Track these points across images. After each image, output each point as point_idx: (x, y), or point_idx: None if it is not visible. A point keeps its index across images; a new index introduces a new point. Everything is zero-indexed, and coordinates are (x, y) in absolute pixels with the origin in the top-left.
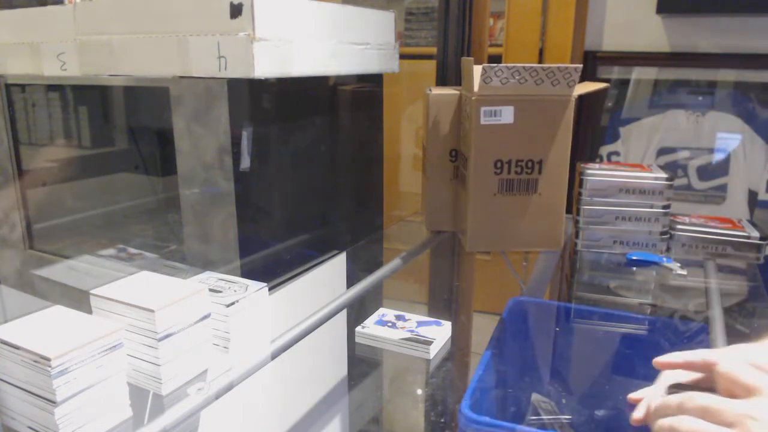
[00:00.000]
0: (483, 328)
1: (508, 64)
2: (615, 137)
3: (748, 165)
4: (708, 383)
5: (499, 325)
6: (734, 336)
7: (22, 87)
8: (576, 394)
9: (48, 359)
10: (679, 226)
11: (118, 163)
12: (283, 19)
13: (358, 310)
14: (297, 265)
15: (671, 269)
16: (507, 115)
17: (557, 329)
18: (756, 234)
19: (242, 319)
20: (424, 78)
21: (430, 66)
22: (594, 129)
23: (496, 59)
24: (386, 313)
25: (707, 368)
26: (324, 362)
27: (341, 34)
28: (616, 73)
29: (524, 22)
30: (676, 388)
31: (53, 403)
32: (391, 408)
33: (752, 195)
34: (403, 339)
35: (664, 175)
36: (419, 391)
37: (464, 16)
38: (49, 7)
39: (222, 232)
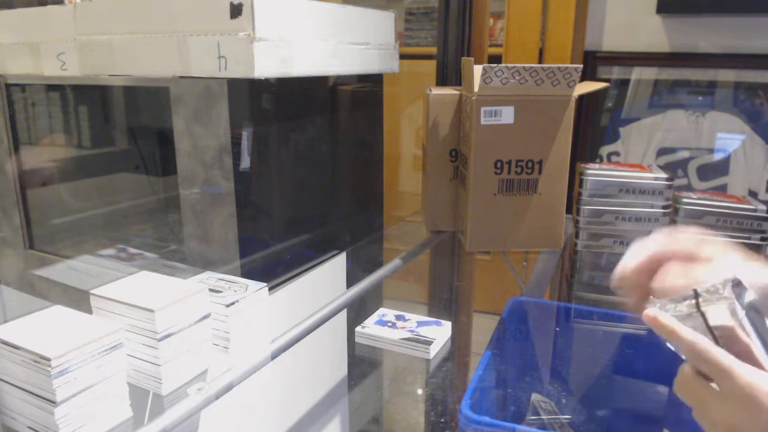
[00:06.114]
0: (483, 328)
1: (509, 65)
2: (615, 137)
3: (748, 165)
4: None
5: (499, 325)
6: None
7: (22, 87)
8: (576, 394)
9: (48, 359)
10: (684, 200)
11: (118, 163)
12: (283, 19)
13: (358, 310)
14: (297, 265)
15: None
16: (507, 115)
17: (557, 329)
18: (762, 207)
19: (242, 319)
20: (424, 78)
21: (430, 66)
22: (594, 129)
23: (496, 59)
24: (386, 313)
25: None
26: (324, 362)
27: (341, 34)
28: (616, 73)
29: (524, 22)
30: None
31: (53, 403)
32: (391, 408)
33: (752, 195)
34: (403, 339)
35: (664, 175)
36: (419, 391)
37: (464, 16)
38: (49, 7)
39: (222, 232)
